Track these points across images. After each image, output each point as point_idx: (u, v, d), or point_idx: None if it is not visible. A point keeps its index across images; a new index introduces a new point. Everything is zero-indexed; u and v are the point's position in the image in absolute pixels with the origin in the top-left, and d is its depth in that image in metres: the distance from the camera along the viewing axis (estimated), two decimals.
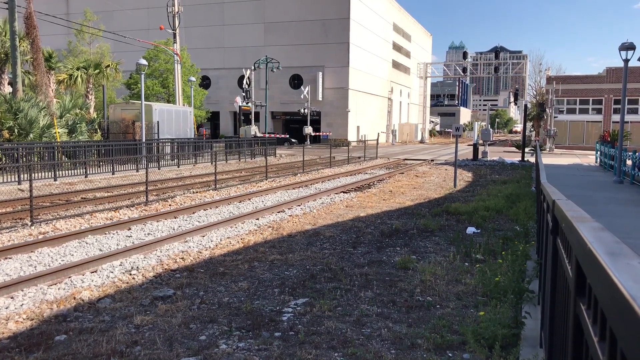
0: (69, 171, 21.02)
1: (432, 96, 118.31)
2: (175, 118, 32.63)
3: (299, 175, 25.06)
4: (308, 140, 54.76)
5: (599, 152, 30.20)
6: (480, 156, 35.49)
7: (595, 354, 1.35)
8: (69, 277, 8.02)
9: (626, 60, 18.65)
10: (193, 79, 40.66)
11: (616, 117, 45.35)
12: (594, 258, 1.35)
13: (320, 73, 58.67)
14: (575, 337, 1.94)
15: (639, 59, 22.28)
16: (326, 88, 59.19)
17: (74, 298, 7.05)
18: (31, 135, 23.69)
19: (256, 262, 9.00)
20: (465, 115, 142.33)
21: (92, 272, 8.36)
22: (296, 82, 60.07)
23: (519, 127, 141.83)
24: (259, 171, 25.48)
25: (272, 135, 45.86)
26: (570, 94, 51.50)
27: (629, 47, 18.52)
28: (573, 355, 1.97)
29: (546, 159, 28.94)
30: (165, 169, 25.75)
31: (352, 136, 58.77)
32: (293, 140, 53.83)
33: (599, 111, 51.00)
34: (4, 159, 20.55)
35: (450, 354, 5.31)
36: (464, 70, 76.15)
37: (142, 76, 27.63)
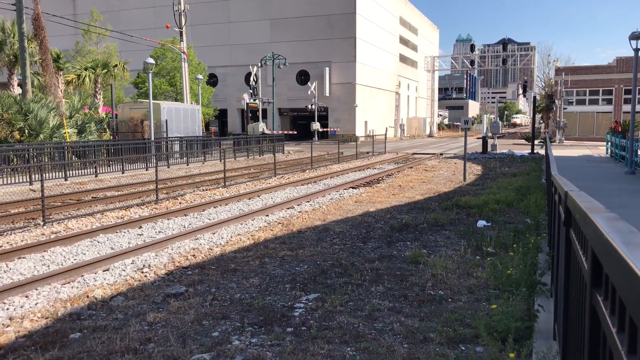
0: (79, 171, 21.17)
1: (440, 89, 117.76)
2: (183, 116, 32.73)
3: (307, 171, 25.06)
4: (316, 136, 54.70)
5: (609, 143, 29.93)
6: (489, 149, 35.31)
7: (614, 345, 1.33)
8: (82, 276, 8.08)
9: (636, 50, 18.46)
10: (200, 76, 40.73)
11: (627, 108, 44.89)
12: (612, 248, 1.34)
13: (327, 68, 58.54)
14: (591, 329, 1.93)
15: None
16: (333, 83, 59.06)
17: (87, 296, 7.11)
18: (41, 136, 23.86)
19: (267, 258, 9.02)
20: (473, 108, 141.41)
21: (104, 271, 8.42)
22: (303, 78, 59.98)
23: (518, 119, 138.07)
24: (268, 168, 25.51)
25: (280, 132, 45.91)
26: (579, 84, 51.04)
27: (639, 36, 18.33)
28: (590, 347, 1.96)
29: (556, 151, 28.74)
30: (174, 167, 25.86)
31: (360, 131, 58.64)
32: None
33: (609, 102, 50.51)
34: (15, 159, 20.73)
35: (463, 348, 5.30)
36: (472, 62, 75.69)
37: (150, 75, 27.72)
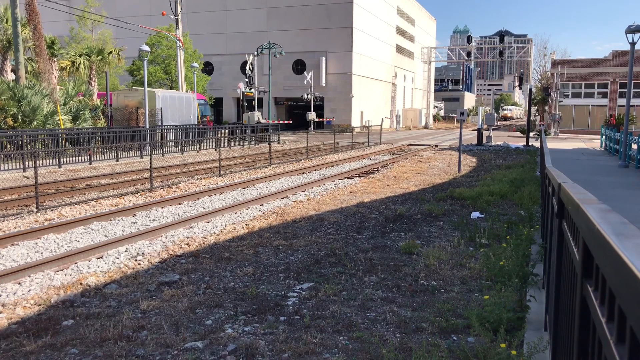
0: (73, 158, 21.07)
1: (436, 81, 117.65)
2: (178, 104, 32.56)
3: (302, 161, 25.04)
4: (311, 126, 54.60)
5: (604, 137, 30.05)
6: (484, 141, 35.37)
7: (603, 334, 1.34)
8: (75, 263, 8.07)
9: (632, 44, 18.47)
10: (196, 65, 40.48)
11: (622, 101, 45.01)
12: (603, 239, 1.34)
13: (324, 58, 58.31)
14: (581, 319, 1.94)
15: None
16: (329, 73, 58.86)
17: (81, 284, 7.10)
18: (35, 123, 23.70)
19: (261, 247, 9.03)
20: (469, 100, 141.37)
21: (98, 258, 8.41)
22: (299, 67, 59.74)
23: (509, 111, 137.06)
24: (263, 157, 25.47)
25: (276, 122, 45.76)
26: (575, 77, 51.08)
27: (635, 30, 18.32)
28: (579, 337, 1.97)
29: (551, 144, 28.82)
30: (169, 156, 25.78)
31: (355, 122, 58.56)
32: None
33: (604, 95, 50.61)
34: (8, 146, 20.59)
35: (455, 338, 5.33)
36: (468, 54, 75.47)
37: (145, 62, 27.53)
